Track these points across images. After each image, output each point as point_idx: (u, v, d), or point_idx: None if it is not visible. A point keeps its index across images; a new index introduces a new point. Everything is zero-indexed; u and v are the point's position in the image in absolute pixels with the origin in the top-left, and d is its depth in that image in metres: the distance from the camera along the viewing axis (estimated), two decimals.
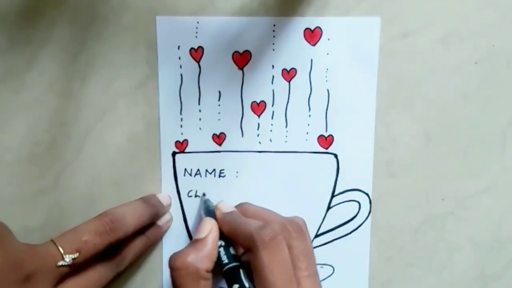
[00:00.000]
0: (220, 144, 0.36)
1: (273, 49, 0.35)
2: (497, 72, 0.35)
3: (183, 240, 0.37)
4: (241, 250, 0.32)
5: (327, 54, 0.35)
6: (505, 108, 0.35)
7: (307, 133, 0.36)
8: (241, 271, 0.30)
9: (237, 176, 0.36)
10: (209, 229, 0.32)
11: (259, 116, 0.36)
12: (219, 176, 0.36)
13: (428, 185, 0.36)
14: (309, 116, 0.36)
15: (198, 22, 0.35)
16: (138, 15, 0.35)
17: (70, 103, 0.36)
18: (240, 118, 0.36)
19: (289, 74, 0.35)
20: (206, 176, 0.36)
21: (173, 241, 0.37)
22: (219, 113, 0.36)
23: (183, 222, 0.37)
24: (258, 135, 0.36)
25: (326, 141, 0.36)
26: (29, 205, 0.37)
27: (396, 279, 0.37)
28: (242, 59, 0.35)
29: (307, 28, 0.35)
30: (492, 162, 0.36)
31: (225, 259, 0.31)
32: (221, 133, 0.36)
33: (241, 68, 0.35)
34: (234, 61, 0.35)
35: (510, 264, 0.37)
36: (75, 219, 0.37)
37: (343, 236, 0.36)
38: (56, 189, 0.36)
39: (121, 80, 0.35)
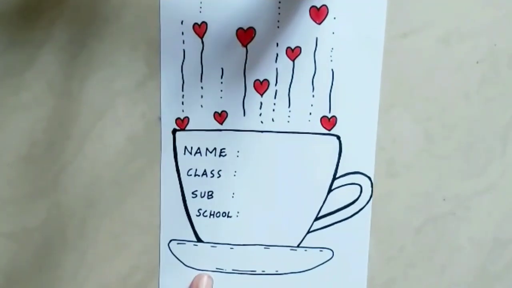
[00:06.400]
0: (221, 123, 0.36)
1: (278, 27, 0.34)
2: (498, 72, 0.35)
3: (181, 220, 0.36)
4: None
5: (333, 33, 0.34)
6: (506, 108, 0.35)
7: (310, 113, 0.35)
8: None
9: (238, 156, 0.36)
10: None
11: (261, 95, 0.35)
12: (220, 155, 0.36)
13: (429, 185, 0.36)
14: (313, 96, 0.35)
15: None
16: (138, 12, 0.34)
17: (69, 103, 0.35)
18: (243, 97, 0.35)
19: (293, 53, 0.35)
20: (206, 155, 0.36)
21: (171, 221, 0.36)
22: (221, 90, 0.35)
23: (181, 201, 0.36)
24: (260, 114, 0.35)
25: (329, 122, 0.35)
26: (28, 206, 0.36)
27: (396, 279, 0.37)
28: (246, 36, 0.34)
29: (313, 6, 0.34)
30: (493, 162, 0.35)
31: None
32: (222, 111, 0.35)
33: (245, 45, 0.35)
34: (238, 38, 0.35)
35: (511, 264, 0.36)
36: (74, 219, 0.36)
37: (343, 220, 0.36)
38: (56, 189, 0.36)
39: (121, 79, 0.35)
